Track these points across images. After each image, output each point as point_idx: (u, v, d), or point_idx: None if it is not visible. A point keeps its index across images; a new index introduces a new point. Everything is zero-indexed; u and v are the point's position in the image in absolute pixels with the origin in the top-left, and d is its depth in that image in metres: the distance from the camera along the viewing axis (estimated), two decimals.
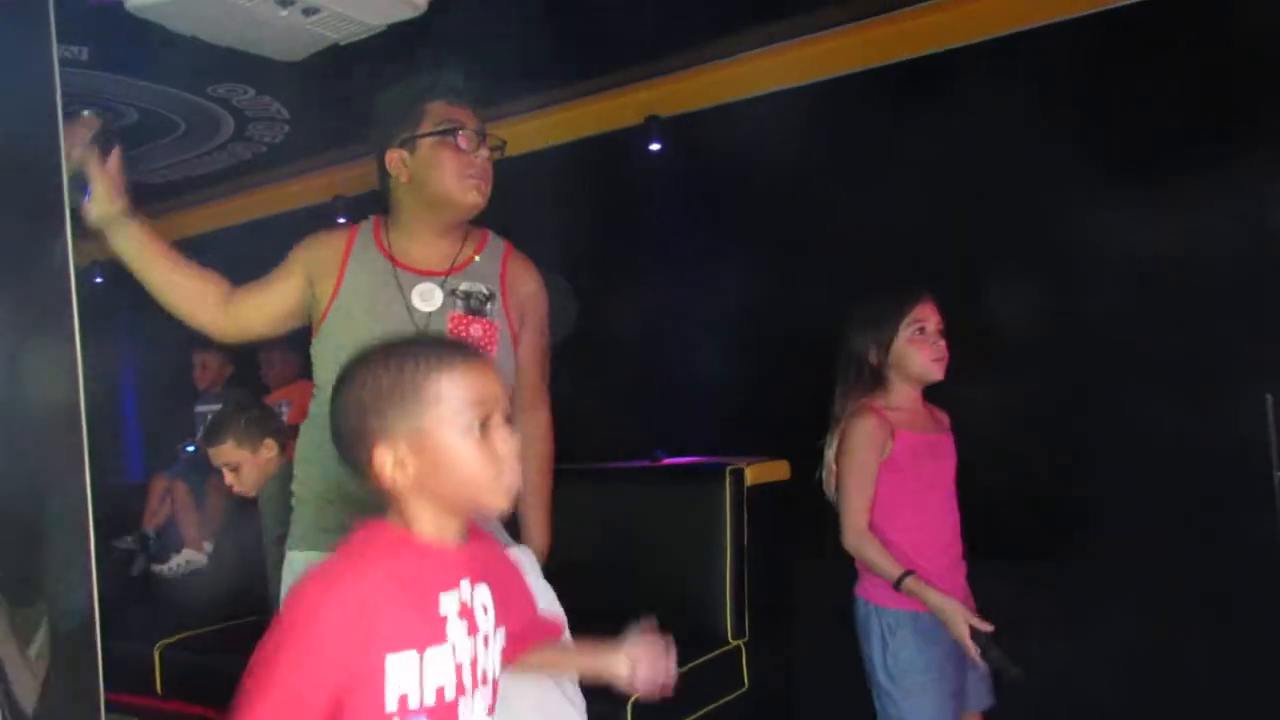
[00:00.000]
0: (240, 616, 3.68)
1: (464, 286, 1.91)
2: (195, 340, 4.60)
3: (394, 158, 1.90)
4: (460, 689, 1.19)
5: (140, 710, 3.50)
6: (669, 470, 3.21)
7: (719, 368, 3.31)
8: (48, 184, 1.18)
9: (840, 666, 2.44)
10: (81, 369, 1.15)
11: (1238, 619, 2.51)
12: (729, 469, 2.98)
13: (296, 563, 1.87)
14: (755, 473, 3.00)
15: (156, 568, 4.26)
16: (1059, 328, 2.69)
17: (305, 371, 4.67)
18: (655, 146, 3.49)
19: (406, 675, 1.14)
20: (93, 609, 1.13)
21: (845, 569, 2.38)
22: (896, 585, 2.12)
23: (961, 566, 2.26)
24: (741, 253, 3.33)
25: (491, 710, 1.27)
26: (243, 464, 2.82)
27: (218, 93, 3.48)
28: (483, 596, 1.25)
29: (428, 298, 1.87)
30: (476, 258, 1.96)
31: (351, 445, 1.21)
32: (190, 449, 4.60)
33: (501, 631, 1.28)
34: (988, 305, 2.38)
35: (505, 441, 1.21)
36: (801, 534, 2.53)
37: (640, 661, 1.41)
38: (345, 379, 1.23)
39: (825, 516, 2.29)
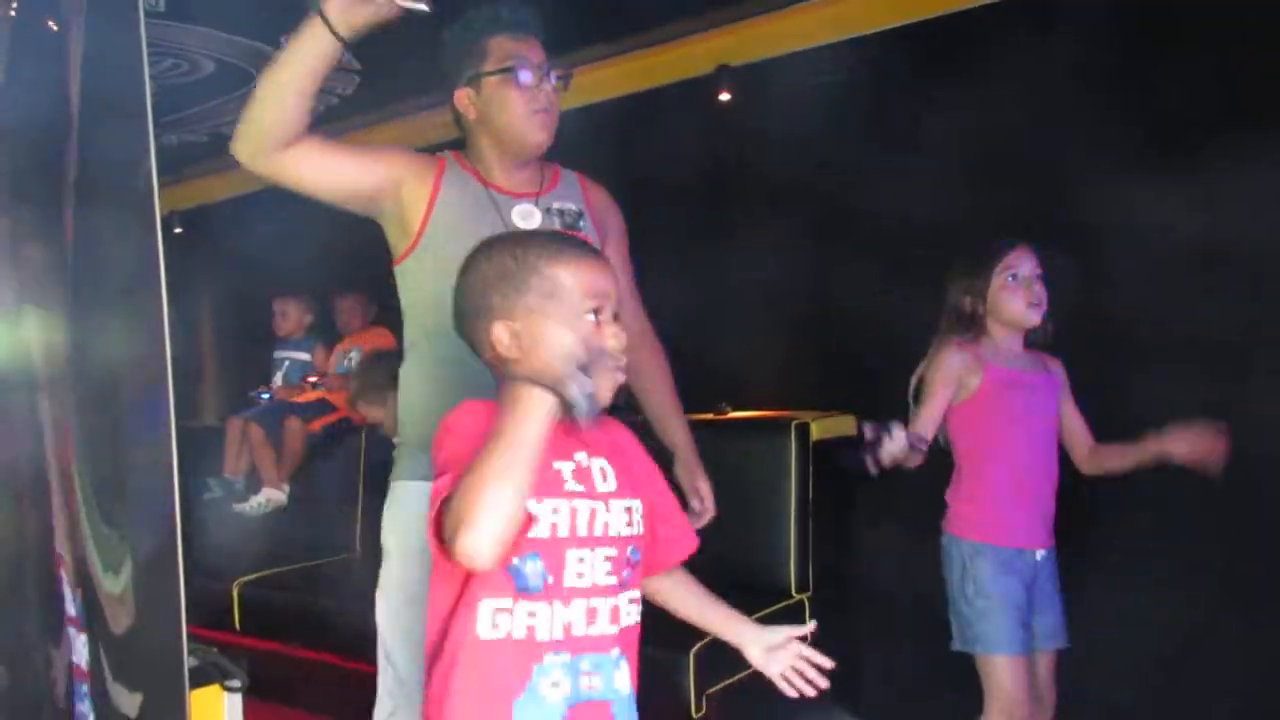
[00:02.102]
0: (316, 558, 3.80)
1: (557, 205, 1.93)
2: (275, 287, 4.69)
3: (462, 96, 1.90)
4: (572, 535, 1.28)
5: (219, 645, 3.64)
6: (734, 423, 3.21)
7: (785, 322, 3.29)
8: (132, 131, 1.20)
9: (903, 624, 2.45)
10: (167, 315, 1.18)
11: (1265, 606, 2.47)
12: (794, 423, 2.97)
13: (399, 490, 1.87)
14: (821, 427, 2.99)
15: (238, 506, 4.39)
16: (1088, 309, 2.62)
17: (377, 318, 4.73)
18: (725, 97, 3.44)
19: (544, 517, 1.25)
20: (175, 545, 1.17)
21: (909, 525, 2.38)
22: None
23: (1044, 504, 2.32)
24: (809, 206, 3.28)
25: (620, 563, 1.33)
26: (387, 410, 3.00)
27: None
28: (600, 465, 1.34)
29: (527, 217, 1.88)
30: (561, 179, 1.99)
31: (472, 321, 1.33)
32: (265, 395, 4.71)
33: (630, 504, 1.35)
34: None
35: (615, 336, 1.31)
36: (866, 489, 2.51)
37: (779, 661, 1.45)
38: (472, 261, 1.35)
39: (890, 469, 2.28)
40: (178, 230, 5.14)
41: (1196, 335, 2.51)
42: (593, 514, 1.30)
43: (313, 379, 4.67)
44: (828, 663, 1.44)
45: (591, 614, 1.29)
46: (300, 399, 4.58)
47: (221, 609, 3.70)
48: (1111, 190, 2.65)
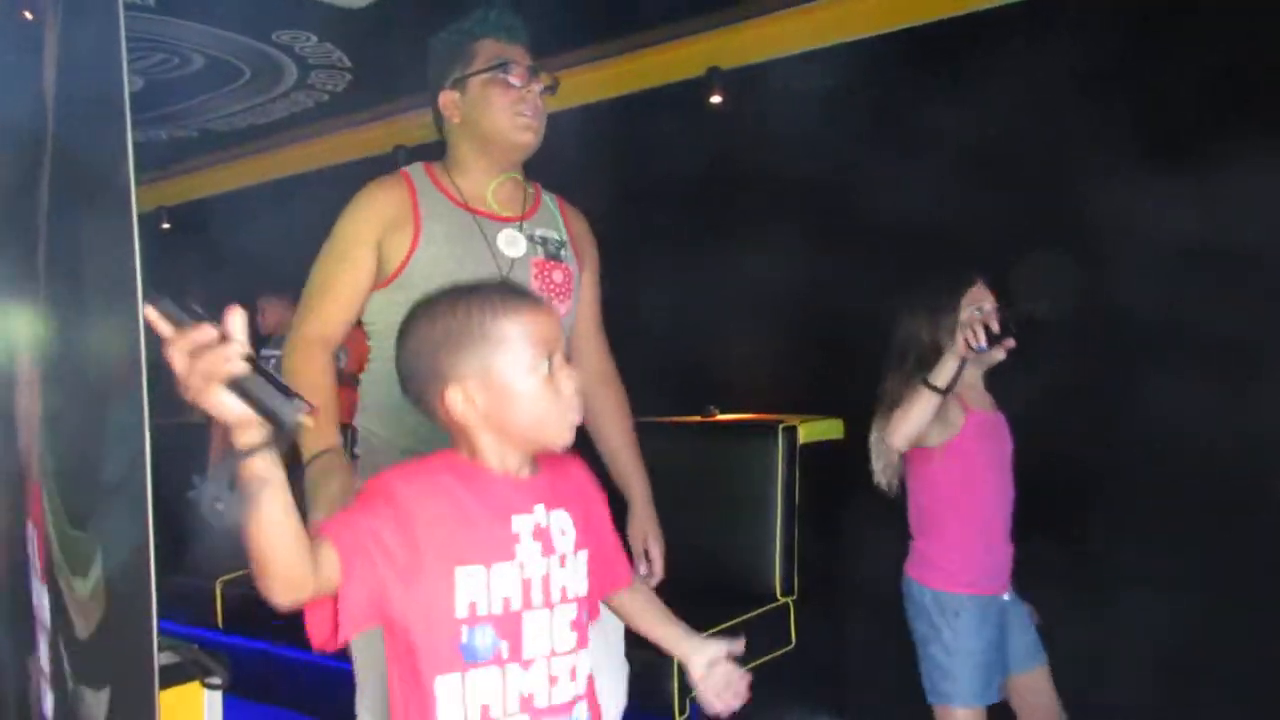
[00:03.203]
0: None
1: (539, 232, 1.89)
2: (264, 284, 4.65)
3: (447, 99, 1.87)
4: (527, 603, 1.26)
5: (201, 643, 3.62)
6: (722, 426, 3.21)
7: (775, 325, 3.29)
8: (110, 125, 1.18)
9: (888, 628, 2.44)
10: (142, 314, 1.16)
11: (1272, 604, 2.48)
12: (782, 426, 2.97)
13: None
14: (809, 431, 2.99)
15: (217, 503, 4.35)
16: (1092, 310, 2.64)
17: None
18: (716, 99, 3.44)
19: (474, 586, 1.22)
20: (148, 545, 1.16)
21: (896, 530, 2.38)
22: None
23: (1009, 545, 2.29)
24: (801, 209, 3.28)
25: (579, 623, 1.32)
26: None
27: (281, 39, 3.51)
28: (560, 521, 1.31)
29: (513, 244, 1.84)
30: (541, 203, 1.95)
31: (422, 385, 1.28)
32: None
33: (584, 554, 1.34)
34: (1021, 285, 2.34)
35: (569, 379, 1.28)
36: (853, 493, 2.51)
37: (714, 677, 1.45)
38: (413, 322, 1.30)
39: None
40: (165, 226, 5.11)
41: (1199, 336, 2.50)
42: (546, 578, 1.27)
43: None
44: (745, 678, 1.47)
45: (553, 680, 1.27)
46: None
47: (204, 606, 3.68)
48: (1110, 190, 2.65)
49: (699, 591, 2.97)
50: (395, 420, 1.81)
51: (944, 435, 2.22)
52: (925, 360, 2.24)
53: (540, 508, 1.29)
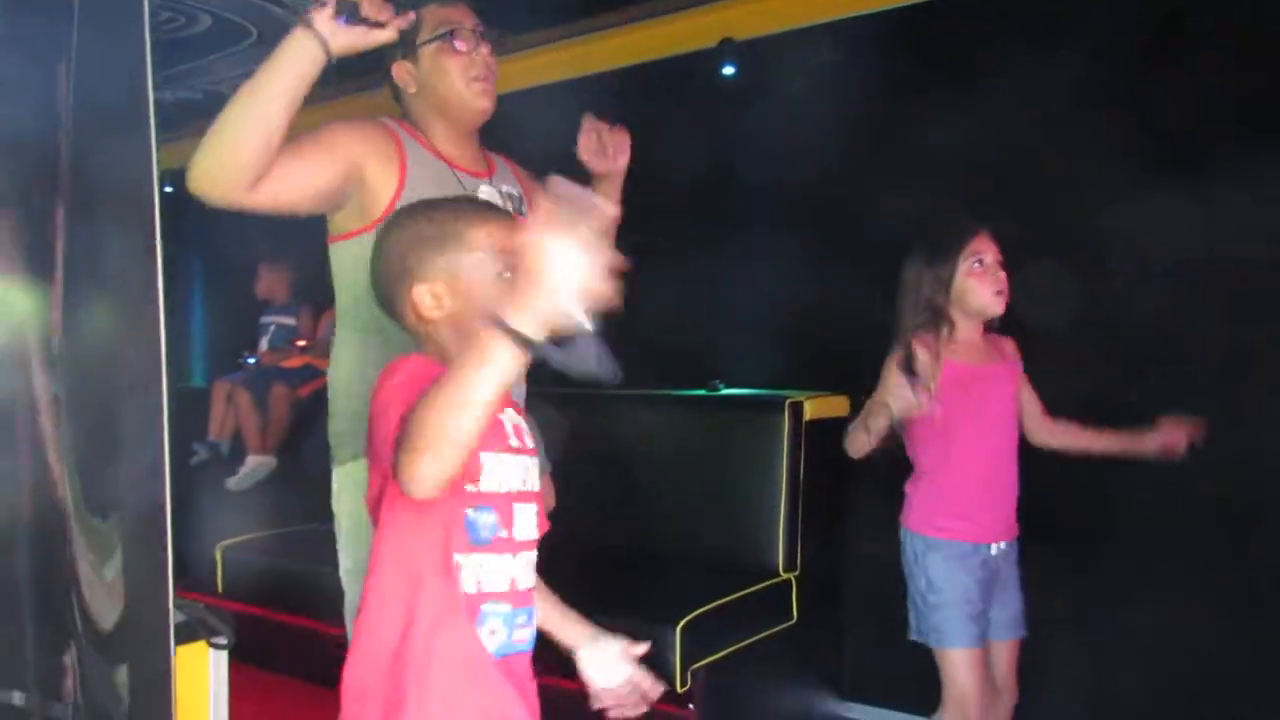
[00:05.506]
0: (300, 523, 3.77)
1: (505, 188, 1.93)
2: (266, 249, 4.61)
3: (400, 70, 1.89)
4: (520, 491, 1.34)
5: None
6: (727, 400, 3.20)
7: (781, 300, 3.27)
8: (131, 89, 1.17)
9: (890, 605, 2.44)
10: (162, 283, 1.15)
11: (1272, 615, 2.48)
12: (788, 402, 2.95)
13: (345, 478, 1.84)
14: (814, 407, 2.98)
15: (229, 482, 4.36)
16: (1091, 319, 2.63)
17: None
18: (729, 70, 3.40)
19: (489, 469, 1.29)
20: (164, 510, 1.15)
21: (899, 507, 2.38)
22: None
23: (1007, 497, 2.31)
24: (809, 183, 3.25)
25: (540, 522, 1.39)
26: None
27: None
28: (521, 422, 1.40)
29: (489, 198, 1.86)
30: (497, 163, 1.98)
31: (391, 285, 1.36)
32: (251, 360, 4.67)
33: (537, 459, 1.41)
34: (1020, 296, 2.32)
35: None
36: (858, 470, 2.51)
37: (599, 676, 1.50)
38: (388, 228, 1.40)
39: (882, 454, 2.29)
40: (168, 189, 5.06)
41: (1199, 343, 2.52)
42: (525, 469, 1.36)
43: (300, 344, 4.64)
44: (655, 692, 1.51)
45: (529, 566, 1.35)
46: (286, 364, 4.55)
47: (204, 572, 3.68)
48: (1109, 191, 2.64)
49: (702, 565, 2.98)
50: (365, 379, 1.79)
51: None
52: (924, 314, 2.26)
53: (510, 410, 1.38)
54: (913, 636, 2.34)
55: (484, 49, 1.87)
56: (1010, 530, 2.33)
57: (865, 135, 3.09)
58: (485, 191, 1.88)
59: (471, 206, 1.41)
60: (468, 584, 1.27)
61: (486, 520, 1.28)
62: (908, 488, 2.38)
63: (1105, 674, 2.70)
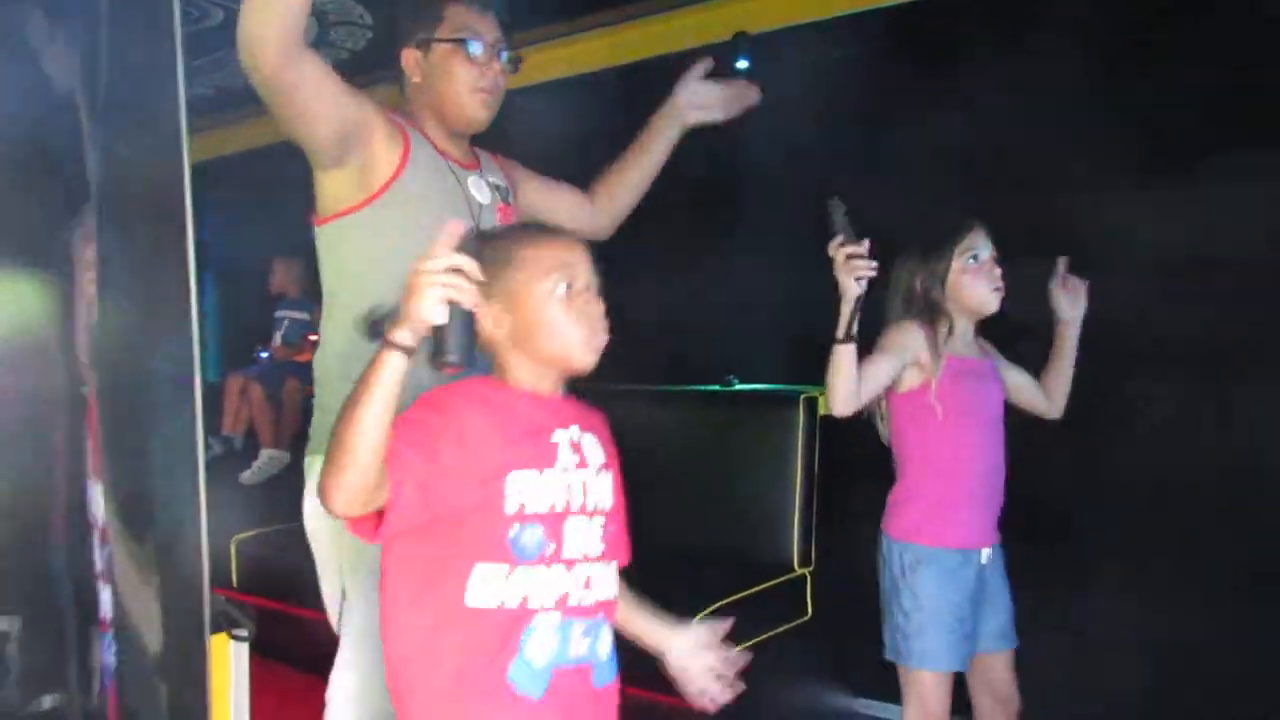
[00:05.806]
0: None
1: (491, 179, 1.94)
2: (280, 244, 4.60)
3: (409, 57, 1.87)
4: (569, 509, 1.36)
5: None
6: (741, 396, 3.19)
7: (796, 295, 3.25)
8: (162, 90, 1.17)
9: None
10: (195, 283, 1.16)
11: (1260, 611, 2.46)
12: (803, 397, 2.94)
13: (317, 467, 1.85)
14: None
15: (242, 476, 4.36)
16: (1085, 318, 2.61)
17: None
18: (742, 65, 3.37)
19: (523, 488, 1.32)
20: (199, 502, 1.16)
21: None
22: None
23: (997, 497, 2.24)
24: (826, 175, 3.22)
25: (608, 536, 1.41)
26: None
27: None
28: (591, 441, 1.43)
29: (480, 190, 1.89)
30: (481, 156, 1.99)
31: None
32: (264, 354, 4.68)
33: (611, 474, 1.45)
34: (1011, 292, 2.30)
35: (589, 304, 1.38)
36: (873, 466, 2.49)
37: (695, 669, 1.52)
38: None
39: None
40: None
41: (1191, 341, 2.51)
42: (585, 486, 1.38)
43: (314, 338, 4.64)
44: (738, 662, 1.53)
45: (587, 581, 1.37)
46: (300, 358, 4.56)
47: (219, 565, 3.68)
48: (1110, 189, 2.63)
49: (716, 561, 2.97)
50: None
51: (918, 378, 2.19)
52: (917, 312, 2.21)
53: (575, 426, 1.41)
54: (889, 657, 2.21)
55: (496, 64, 1.86)
56: (995, 533, 2.25)
57: (882, 131, 3.07)
58: (474, 183, 1.89)
59: (523, 228, 1.48)
60: (511, 599, 1.30)
61: (532, 537, 1.32)
62: (893, 495, 2.28)
63: (1098, 675, 2.67)
